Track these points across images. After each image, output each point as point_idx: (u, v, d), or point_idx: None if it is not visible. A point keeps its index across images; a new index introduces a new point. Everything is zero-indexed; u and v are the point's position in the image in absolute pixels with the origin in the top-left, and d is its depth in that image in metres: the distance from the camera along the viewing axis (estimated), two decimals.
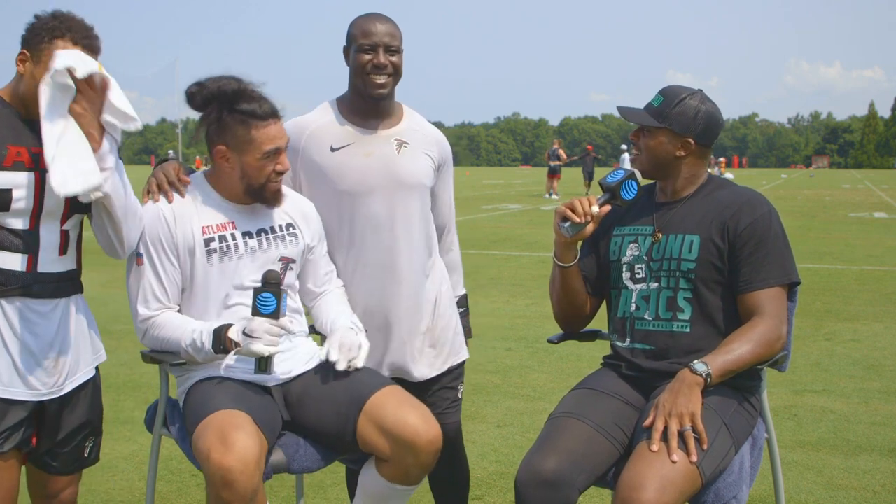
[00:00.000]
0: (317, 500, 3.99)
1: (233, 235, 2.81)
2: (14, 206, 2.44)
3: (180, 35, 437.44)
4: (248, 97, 2.74)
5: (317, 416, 2.75)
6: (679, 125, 2.72)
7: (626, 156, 31.20)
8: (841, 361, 6.59)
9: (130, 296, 2.81)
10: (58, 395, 2.62)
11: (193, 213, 2.79)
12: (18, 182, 2.45)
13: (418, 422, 2.66)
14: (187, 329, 2.71)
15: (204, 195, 2.84)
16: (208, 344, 2.66)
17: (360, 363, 2.79)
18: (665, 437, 2.41)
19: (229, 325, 2.66)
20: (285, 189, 2.92)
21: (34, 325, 2.53)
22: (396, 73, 2.99)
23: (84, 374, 2.70)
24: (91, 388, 2.75)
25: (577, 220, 2.67)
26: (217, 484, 2.41)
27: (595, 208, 2.68)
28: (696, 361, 2.52)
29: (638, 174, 2.75)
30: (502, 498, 3.98)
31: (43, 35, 2.44)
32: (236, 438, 2.44)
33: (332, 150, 3.01)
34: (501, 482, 4.16)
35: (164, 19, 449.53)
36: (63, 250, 2.58)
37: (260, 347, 2.57)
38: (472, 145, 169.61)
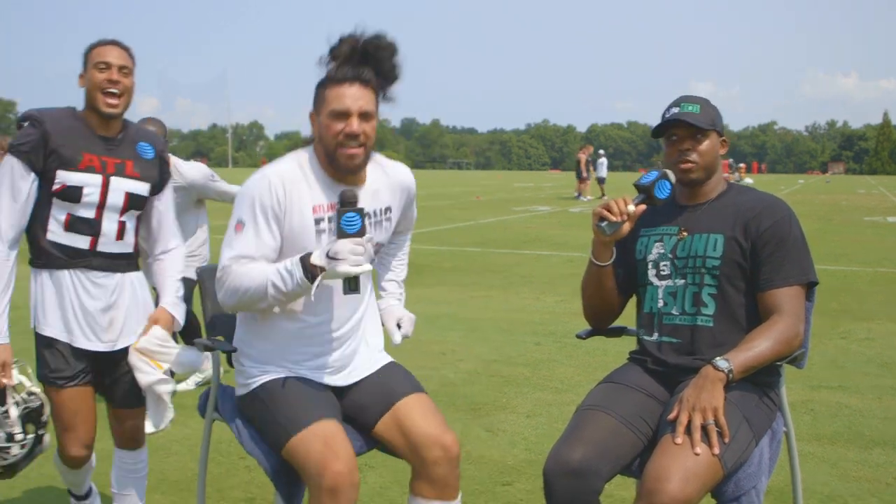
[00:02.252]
0: None
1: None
2: (84, 199, 2.97)
3: (231, 47, 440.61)
4: (341, 59, 2.69)
5: (348, 403, 2.78)
6: (720, 126, 2.80)
7: (604, 160, 31.85)
8: (856, 359, 6.52)
9: (223, 251, 2.68)
10: (112, 350, 3.09)
11: (305, 191, 2.67)
12: (89, 182, 2.98)
13: (435, 429, 2.66)
14: (271, 268, 2.58)
15: (314, 172, 2.72)
16: (298, 272, 2.52)
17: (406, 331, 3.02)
18: (689, 431, 2.41)
19: (310, 254, 2.54)
20: (384, 161, 2.88)
21: (92, 292, 3.04)
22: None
23: (135, 336, 3.07)
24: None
25: (615, 219, 2.68)
26: (326, 492, 2.44)
27: (631, 207, 2.68)
28: (718, 358, 2.51)
29: (670, 174, 2.75)
30: (532, 484, 3.97)
31: (86, 54, 3.03)
32: (342, 449, 2.50)
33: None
34: (531, 469, 4.16)
35: (216, 32, 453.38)
36: (120, 236, 3.08)
37: (346, 268, 2.47)
38: (503, 150, 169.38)
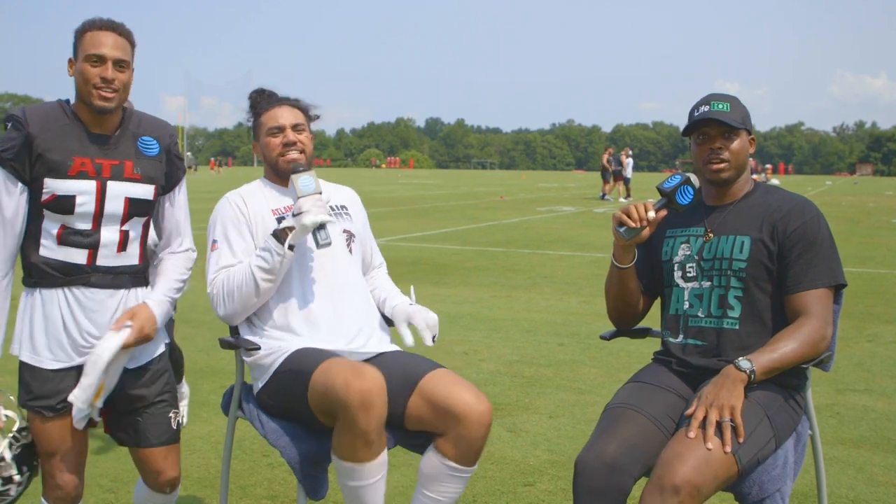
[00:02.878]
0: None
1: None
2: (78, 209, 2.59)
3: (257, 46, 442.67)
4: (265, 95, 3.11)
5: None
6: (749, 124, 2.78)
7: (630, 160, 30.70)
8: (883, 362, 6.45)
9: (208, 275, 2.96)
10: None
11: (262, 200, 3.02)
12: (82, 189, 2.59)
13: (470, 396, 2.71)
14: (251, 259, 2.88)
15: (266, 188, 3.09)
16: (272, 243, 2.81)
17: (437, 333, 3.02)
18: (704, 426, 2.39)
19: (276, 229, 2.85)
20: (329, 184, 3.18)
21: (92, 311, 2.66)
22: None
23: (147, 356, 2.78)
24: (157, 368, 2.82)
25: (633, 224, 2.66)
26: (357, 407, 2.50)
27: (651, 213, 2.66)
28: (741, 359, 2.50)
29: (693, 178, 2.72)
30: (554, 485, 3.96)
31: (76, 37, 2.63)
32: (367, 369, 2.58)
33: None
34: (553, 470, 4.14)
35: (242, 34, 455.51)
36: (122, 247, 2.69)
37: (311, 218, 2.77)
38: (528, 150, 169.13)
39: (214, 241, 2.98)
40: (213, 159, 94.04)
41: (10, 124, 2.60)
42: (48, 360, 2.65)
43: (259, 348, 2.86)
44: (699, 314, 2.72)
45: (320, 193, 2.86)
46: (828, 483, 3.02)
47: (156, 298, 2.74)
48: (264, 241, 2.86)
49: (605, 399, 3.47)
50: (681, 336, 2.77)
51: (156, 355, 2.82)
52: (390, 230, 4.58)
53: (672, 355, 2.78)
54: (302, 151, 3.00)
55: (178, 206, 2.87)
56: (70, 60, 2.65)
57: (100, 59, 2.58)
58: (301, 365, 2.71)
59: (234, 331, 3.05)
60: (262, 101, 3.10)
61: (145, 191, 2.71)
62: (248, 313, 2.93)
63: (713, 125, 2.73)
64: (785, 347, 2.53)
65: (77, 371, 2.65)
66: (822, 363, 2.71)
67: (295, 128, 3.02)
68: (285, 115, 3.02)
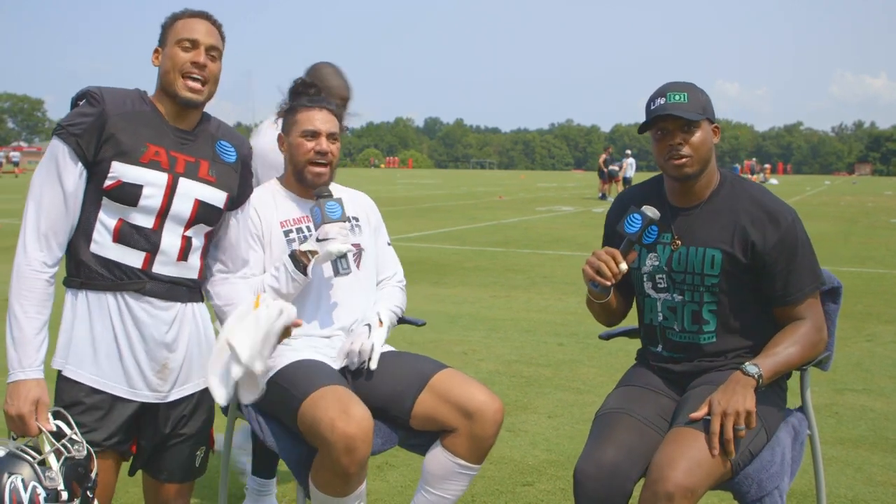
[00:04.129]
0: None
1: (309, 228, 2.95)
2: (142, 202, 2.37)
3: (255, 46, 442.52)
4: (309, 92, 3.00)
5: (376, 392, 2.79)
6: (711, 112, 2.60)
7: (632, 161, 30.35)
8: (881, 362, 6.45)
9: None
10: (162, 402, 2.48)
11: (273, 209, 2.96)
12: (151, 180, 2.37)
13: (484, 395, 2.74)
14: (265, 277, 2.84)
15: (279, 195, 3.01)
16: (289, 264, 2.79)
17: (373, 364, 2.84)
18: (720, 435, 2.35)
19: (293, 252, 2.81)
20: (344, 189, 3.13)
21: (144, 324, 2.40)
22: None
23: (194, 386, 2.55)
24: (200, 401, 2.57)
25: (608, 283, 2.55)
26: (340, 451, 2.48)
27: (623, 266, 2.54)
28: (747, 364, 2.47)
29: (651, 212, 2.56)
30: (552, 485, 3.96)
31: (167, 24, 2.47)
32: (356, 409, 2.53)
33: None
34: (551, 470, 4.15)
35: (242, 33, 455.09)
36: (182, 255, 2.46)
37: (337, 246, 2.76)
38: (527, 150, 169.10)
39: None
40: None
41: (83, 101, 2.38)
42: (90, 377, 2.38)
43: None
44: (674, 327, 2.68)
45: (346, 220, 2.83)
46: (826, 483, 3.02)
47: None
48: (280, 261, 2.82)
49: (604, 399, 3.48)
50: (660, 346, 2.75)
51: (206, 386, 2.55)
52: (389, 230, 4.53)
53: (654, 360, 2.77)
54: (329, 163, 2.92)
55: (243, 225, 2.70)
56: (156, 50, 2.46)
57: (192, 44, 2.41)
58: (294, 387, 2.66)
59: None
60: (303, 95, 3.00)
61: (218, 196, 2.51)
62: None
63: (670, 119, 2.54)
64: (788, 350, 2.53)
65: (122, 405, 2.40)
66: (821, 363, 2.71)
67: (330, 137, 2.93)
68: (324, 121, 2.92)
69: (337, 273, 2.83)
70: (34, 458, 2.17)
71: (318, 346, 2.90)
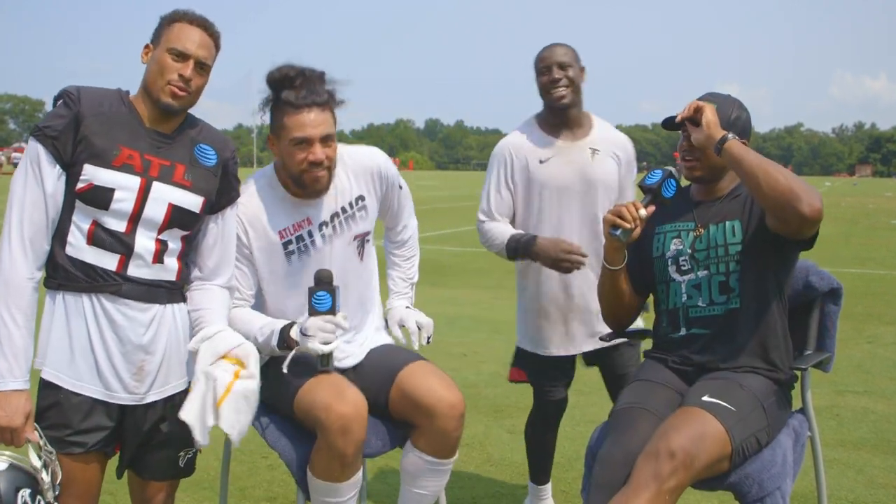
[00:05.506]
0: None
1: (309, 233, 2.80)
2: (113, 206, 2.33)
3: (255, 47, 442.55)
4: (292, 85, 2.66)
5: (363, 390, 2.75)
6: (737, 130, 2.68)
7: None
8: (882, 364, 6.45)
9: None
10: (140, 403, 2.45)
11: (266, 219, 2.77)
12: (123, 184, 2.33)
13: (441, 389, 2.69)
14: (255, 326, 2.70)
15: (274, 194, 2.79)
16: (274, 341, 2.64)
17: (428, 336, 2.95)
18: (704, 407, 2.41)
19: (292, 324, 2.65)
20: (345, 149, 2.86)
21: (120, 326, 2.37)
22: (572, 84, 3.30)
23: (173, 388, 2.51)
24: (179, 402, 2.47)
25: (629, 226, 2.63)
26: (336, 431, 2.48)
27: (643, 212, 2.64)
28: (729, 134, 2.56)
29: (674, 171, 2.72)
30: (554, 487, 3.94)
31: (163, 23, 2.40)
32: (350, 391, 2.56)
33: (541, 162, 3.38)
34: (553, 471, 4.12)
35: (241, 35, 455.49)
36: (157, 258, 2.41)
37: (314, 345, 2.55)
38: None
39: None
40: None
41: (60, 101, 2.34)
42: (68, 380, 2.36)
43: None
44: (699, 304, 2.70)
45: (334, 314, 2.59)
46: (828, 485, 3.01)
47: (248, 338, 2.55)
48: (272, 330, 2.65)
49: (606, 400, 3.47)
50: (683, 329, 2.74)
51: (185, 387, 2.54)
52: None
53: (671, 352, 2.76)
54: (328, 168, 2.70)
55: (225, 231, 2.61)
56: (147, 46, 2.40)
57: (182, 56, 2.36)
58: (290, 376, 2.66)
59: None
60: (286, 92, 2.66)
61: (193, 201, 2.44)
62: None
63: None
64: (773, 165, 2.46)
65: (102, 407, 2.39)
66: (822, 364, 2.71)
67: (324, 140, 2.67)
68: (315, 124, 2.64)
69: (318, 368, 2.64)
70: (35, 469, 2.22)
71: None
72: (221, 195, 2.55)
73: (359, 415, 2.52)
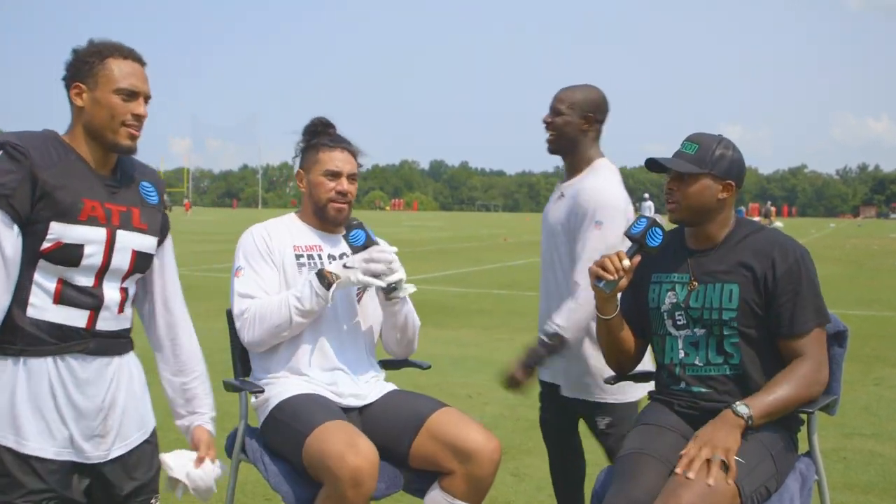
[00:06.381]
0: None
1: (319, 256, 3.04)
2: (84, 262, 2.22)
3: (260, 92, 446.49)
4: (326, 131, 3.09)
5: (375, 433, 2.78)
6: (720, 170, 2.66)
7: (650, 203, 31.19)
8: (889, 406, 6.41)
9: (233, 303, 2.98)
10: (106, 459, 2.33)
11: (286, 235, 3.06)
12: (92, 238, 2.23)
13: (479, 435, 2.73)
14: (289, 292, 2.88)
15: (295, 225, 3.12)
16: (315, 281, 2.82)
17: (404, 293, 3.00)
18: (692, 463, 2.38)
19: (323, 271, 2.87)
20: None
21: (86, 383, 2.26)
22: (556, 130, 3.25)
23: (135, 440, 2.41)
24: (142, 452, 2.44)
25: (611, 277, 2.61)
26: (347, 483, 2.49)
27: (626, 262, 2.61)
28: (738, 403, 2.49)
29: (660, 219, 2.70)
30: None
31: (92, 60, 2.25)
32: (363, 443, 2.56)
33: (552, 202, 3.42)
34: None
35: (247, 77, 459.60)
36: (122, 308, 2.35)
37: (357, 276, 2.83)
38: (531, 192, 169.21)
39: (239, 269, 2.99)
40: (187, 201, 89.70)
41: (1, 153, 2.15)
42: (36, 448, 2.20)
43: (263, 391, 2.87)
44: (696, 362, 2.69)
45: (372, 245, 2.90)
46: None
47: (209, 416, 2.64)
48: (308, 278, 2.87)
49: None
50: (682, 384, 2.73)
51: (148, 436, 2.47)
52: None
53: (674, 398, 2.75)
54: (348, 203, 3.05)
55: (170, 261, 2.57)
56: (77, 86, 2.26)
57: (132, 95, 2.26)
58: (296, 421, 2.71)
59: (239, 373, 3.06)
60: (323, 134, 3.10)
61: (150, 243, 2.40)
62: (274, 343, 2.93)
63: (676, 166, 2.67)
64: (781, 391, 2.53)
65: (73, 467, 2.26)
66: (828, 407, 2.70)
67: (350, 177, 3.06)
68: (345, 162, 3.06)
69: (386, 297, 2.98)
70: None
71: (318, 388, 2.90)
72: (163, 230, 2.49)
73: (371, 467, 2.53)
